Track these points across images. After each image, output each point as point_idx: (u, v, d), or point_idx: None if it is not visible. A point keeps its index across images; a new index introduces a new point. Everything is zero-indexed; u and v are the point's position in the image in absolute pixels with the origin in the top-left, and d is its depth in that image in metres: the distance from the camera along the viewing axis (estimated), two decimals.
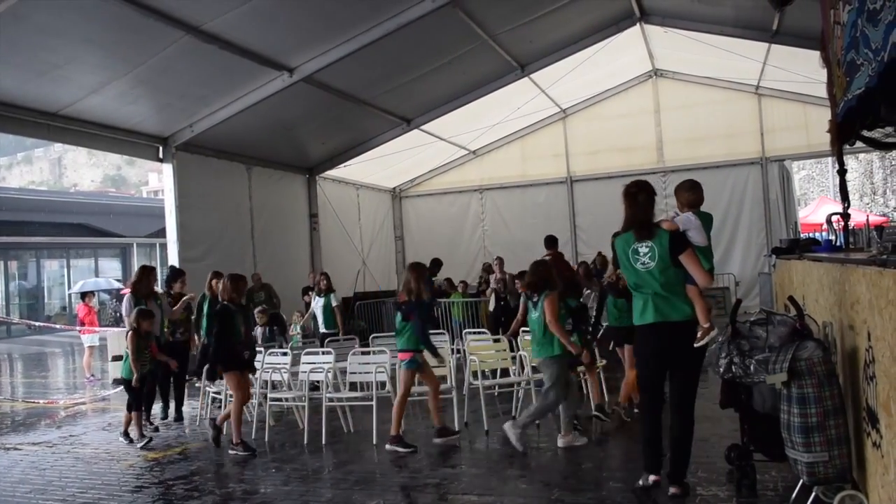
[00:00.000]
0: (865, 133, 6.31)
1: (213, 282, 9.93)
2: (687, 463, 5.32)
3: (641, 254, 5.29)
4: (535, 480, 6.06)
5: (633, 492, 5.43)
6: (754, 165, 17.71)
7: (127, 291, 10.23)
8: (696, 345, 5.21)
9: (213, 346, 7.57)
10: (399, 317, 7.47)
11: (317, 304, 11.84)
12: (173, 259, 12.58)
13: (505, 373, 9.13)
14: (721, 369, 4.88)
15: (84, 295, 16.10)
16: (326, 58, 11.30)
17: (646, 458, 5.46)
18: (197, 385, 9.95)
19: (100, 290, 22.53)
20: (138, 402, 8.26)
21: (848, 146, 7.01)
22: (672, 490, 5.23)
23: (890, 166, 30.39)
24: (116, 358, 13.43)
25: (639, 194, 5.40)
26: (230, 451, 7.56)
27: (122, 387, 12.02)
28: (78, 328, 15.51)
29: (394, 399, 7.83)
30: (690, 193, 5.71)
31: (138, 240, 33.77)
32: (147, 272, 9.23)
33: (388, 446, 7.25)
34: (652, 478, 5.40)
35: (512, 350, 8.97)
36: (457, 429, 7.71)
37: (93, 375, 14.50)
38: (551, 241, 11.37)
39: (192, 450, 7.95)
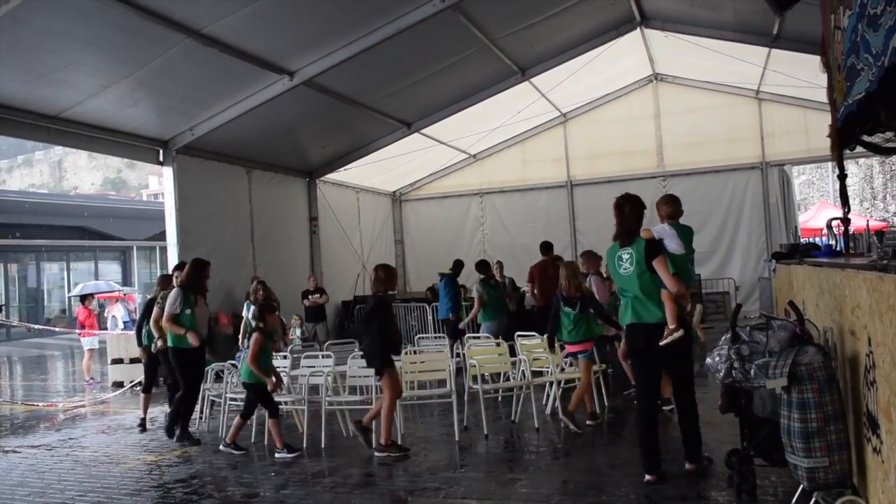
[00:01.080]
0: (866, 138, 6.31)
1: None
2: (699, 443, 5.81)
3: (624, 259, 5.82)
4: (534, 485, 6.06)
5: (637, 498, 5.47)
6: (754, 170, 17.71)
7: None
8: (660, 343, 5.61)
9: (379, 340, 7.23)
10: (572, 311, 7.99)
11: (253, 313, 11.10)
12: (173, 262, 12.56)
13: (505, 376, 9.12)
14: (721, 374, 4.88)
15: (84, 298, 16.08)
16: (327, 61, 11.31)
17: (643, 458, 5.77)
18: None
19: (99, 293, 22.35)
20: (275, 407, 7.74)
21: (848, 151, 7.02)
22: (688, 466, 5.78)
23: (890, 171, 30.41)
24: (116, 361, 13.43)
25: (625, 205, 5.92)
26: (377, 455, 7.20)
27: (120, 390, 12.03)
28: (78, 331, 15.48)
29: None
30: (668, 206, 6.39)
31: (138, 243, 33.77)
32: (202, 266, 8.72)
33: (588, 421, 7.92)
34: (648, 477, 5.69)
35: (512, 354, 8.98)
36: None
37: (92, 378, 14.48)
38: (546, 248, 11.45)
39: (192, 453, 7.94)
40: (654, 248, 5.76)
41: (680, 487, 5.56)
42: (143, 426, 9.35)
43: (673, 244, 6.00)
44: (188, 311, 8.32)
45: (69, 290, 29.97)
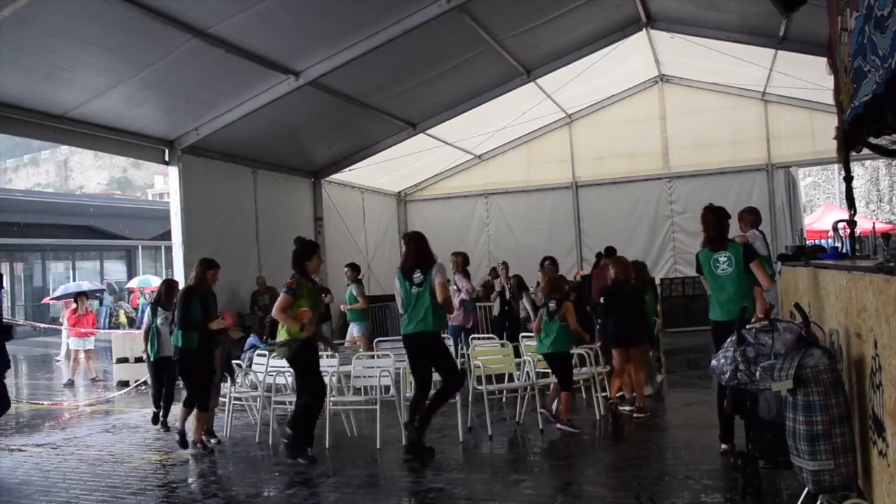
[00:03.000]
0: (872, 140, 6.30)
1: (210, 273, 8.11)
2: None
3: (721, 262, 6.49)
4: (538, 486, 6.05)
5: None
6: (760, 172, 17.68)
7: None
8: None
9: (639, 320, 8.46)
10: None
11: (163, 320, 9.11)
12: (178, 262, 12.59)
13: (510, 378, 9.12)
14: (726, 376, 4.87)
15: (77, 297, 15.83)
16: (332, 62, 11.32)
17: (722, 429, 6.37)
18: None
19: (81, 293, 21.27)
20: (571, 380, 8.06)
21: (854, 153, 7.01)
22: (723, 447, 6.32)
23: None
24: (122, 360, 13.43)
25: (708, 215, 6.68)
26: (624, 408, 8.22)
27: (125, 389, 11.99)
28: (76, 329, 15.19)
29: (399, 406, 7.85)
30: (751, 216, 7.77)
31: (144, 242, 33.88)
32: (424, 240, 7.63)
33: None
34: (723, 446, 6.32)
35: (517, 356, 8.96)
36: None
37: (95, 377, 14.49)
38: (611, 251, 11.88)
39: (196, 452, 7.94)
40: (752, 251, 6.60)
41: (685, 489, 5.55)
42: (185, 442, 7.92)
43: (762, 247, 7.26)
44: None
45: None
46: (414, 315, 7.18)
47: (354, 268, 12.60)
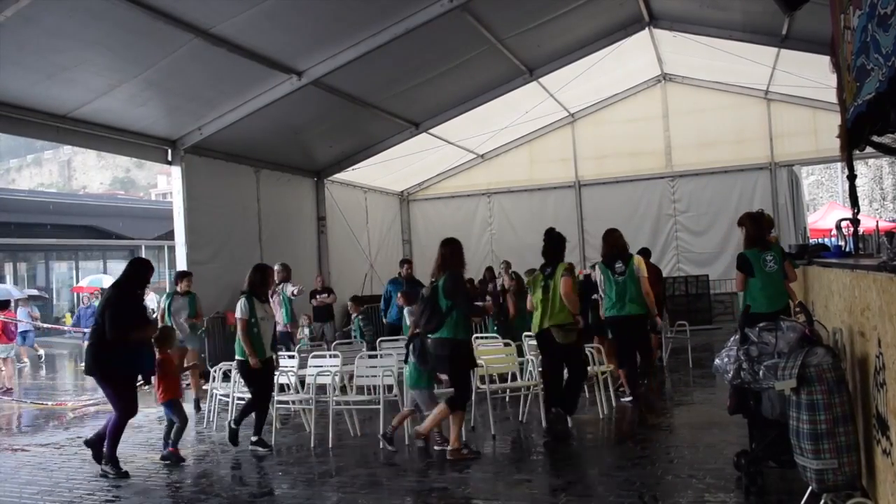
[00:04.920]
0: (875, 138, 6.28)
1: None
2: None
3: (769, 260, 7.33)
4: (542, 485, 6.05)
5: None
6: (763, 171, 17.66)
7: None
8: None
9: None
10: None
11: (263, 314, 7.88)
12: (181, 262, 12.59)
13: (513, 377, 9.13)
14: (730, 375, 4.86)
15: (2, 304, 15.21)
16: (335, 61, 11.32)
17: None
18: (205, 387, 9.94)
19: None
20: None
21: (858, 151, 6.99)
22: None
23: None
24: None
25: (761, 218, 7.68)
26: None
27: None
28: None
29: (402, 405, 7.85)
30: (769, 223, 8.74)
31: (146, 242, 33.92)
32: (617, 235, 9.09)
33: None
34: None
35: (520, 355, 8.96)
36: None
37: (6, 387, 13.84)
38: (647, 253, 12.06)
39: (199, 452, 7.96)
40: (784, 251, 7.62)
41: (688, 488, 5.55)
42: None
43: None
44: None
45: None
46: (620, 299, 8.39)
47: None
